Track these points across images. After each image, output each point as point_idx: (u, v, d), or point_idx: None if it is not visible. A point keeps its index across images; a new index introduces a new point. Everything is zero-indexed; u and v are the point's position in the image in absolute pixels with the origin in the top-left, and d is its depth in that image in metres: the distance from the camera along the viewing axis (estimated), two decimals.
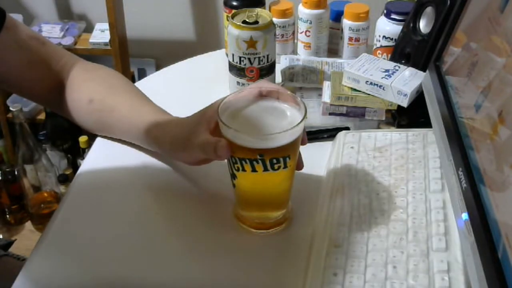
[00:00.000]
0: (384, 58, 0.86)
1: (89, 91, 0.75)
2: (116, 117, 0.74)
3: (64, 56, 0.78)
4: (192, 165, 0.68)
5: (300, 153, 0.63)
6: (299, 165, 0.63)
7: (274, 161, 0.57)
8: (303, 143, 0.62)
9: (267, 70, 0.82)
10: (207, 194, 0.70)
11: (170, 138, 0.67)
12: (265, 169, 0.58)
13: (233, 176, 0.61)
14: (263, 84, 0.63)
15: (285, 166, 0.58)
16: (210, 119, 0.62)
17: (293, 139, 0.58)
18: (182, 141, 0.65)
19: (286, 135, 0.57)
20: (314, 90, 0.86)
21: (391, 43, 0.87)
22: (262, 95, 0.62)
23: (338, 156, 0.71)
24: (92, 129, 0.79)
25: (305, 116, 0.58)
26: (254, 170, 0.58)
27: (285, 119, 0.60)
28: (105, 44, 1.84)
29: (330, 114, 0.79)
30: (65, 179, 1.88)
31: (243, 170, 0.59)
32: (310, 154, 0.77)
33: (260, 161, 0.57)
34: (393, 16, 0.86)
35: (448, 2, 0.75)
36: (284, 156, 0.58)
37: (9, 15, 0.73)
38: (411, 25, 0.81)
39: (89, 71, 0.78)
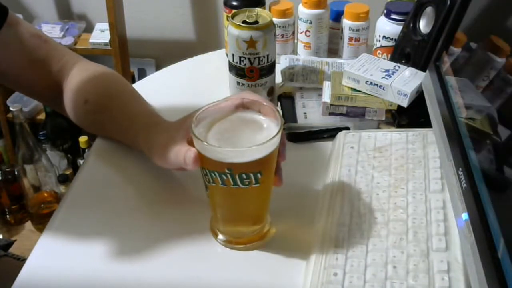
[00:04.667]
0: (384, 58, 0.86)
1: (85, 91, 0.75)
2: (109, 119, 0.74)
3: (66, 55, 0.78)
4: (175, 170, 0.67)
5: (280, 169, 0.61)
6: (277, 181, 0.61)
7: (244, 176, 0.55)
8: (281, 159, 0.59)
9: (267, 70, 0.82)
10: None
11: (151, 144, 0.67)
12: (235, 184, 0.56)
13: (206, 187, 0.60)
14: (246, 95, 0.61)
15: (257, 182, 0.56)
16: (189, 127, 0.61)
17: (264, 154, 0.55)
18: (161, 147, 0.65)
19: (256, 150, 0.55)
20: (314, 90, 0.86)
21: (391, 43, 0.87)
22: (243, 106, 0.60)
23: (338, 156, 0.71)
24: (89, 129, 0.79)
25: (278, 133, 0.56)
26: (223, 183, 0.56)
27: (261, 133, 0.58)
28: (105, 44, 1.84)
29: (330, 114, 0.79)
30: (65, 179, 1.88)
31: (213, 182, 0.57)
32: (310, 154, 0.77)
33: (229, 175, 0.55)
34: (393, 16, 0.86)
35: (448, 2, 0.75)
36: (255, 172, 0.55)
37: (12, 13, 0.73)
38: (411, 25, 0.81)
39: (87, 71, 0.78)
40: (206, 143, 0.55)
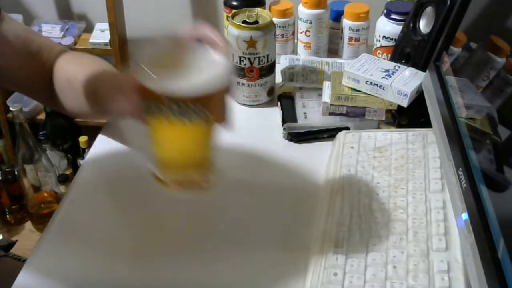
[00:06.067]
0: (384, 58, 0.86)
1: (67, 72, 0.75)
2: (80, 88, 0.70)
3: (55, 47, 0.79)
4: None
5: (226, 106, 0.58)
6: (220, 117, 0.57)
7: (190, 110, 0.53)
8: (229, 95, 0.57)
9: (267, 70, 0.82)
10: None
11: (105, 90, 0.65)
12: (179, 119, 0.54)
13: (149, 126, 0.57)
14: (202, 29, 0.58)
15: (202, 118, 0.54)
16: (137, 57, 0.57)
17: (212, 88, 0.53)
18: (116, 87, 0.62)
19: (204, 83, 0.53)
20: (314, 90, 0.86)
21: (391, 43, 0.87)
22: (196, 40, 0.57)
23: (338, 156, 0.71)
24: (73, 111, 0.77)
25: (228, 67, 0.54)
26: (166, 117, 0.54)
27: (211, 67, 0.55)
28: (105, 44, 1.84)
29: (330, 114, 0.79)
30: (65, 179, 1.88)
31: (156, 116, 0.55)
32: (310, 154, 0.77)
33: (174, 108, 0.53)
34: (393, 16, 0.86)
35: (448, 2, 0.75)
36: (201, 106, 0.53)
37: (3, 12, 0.74)
38: (411, 25, 0.81)
39: (73, 55, 0.78)
40: (150, 72, 0.53)
